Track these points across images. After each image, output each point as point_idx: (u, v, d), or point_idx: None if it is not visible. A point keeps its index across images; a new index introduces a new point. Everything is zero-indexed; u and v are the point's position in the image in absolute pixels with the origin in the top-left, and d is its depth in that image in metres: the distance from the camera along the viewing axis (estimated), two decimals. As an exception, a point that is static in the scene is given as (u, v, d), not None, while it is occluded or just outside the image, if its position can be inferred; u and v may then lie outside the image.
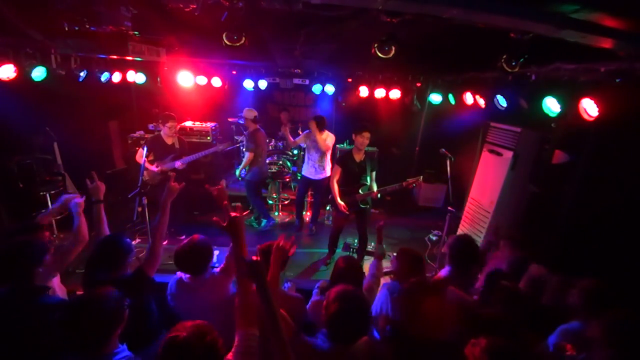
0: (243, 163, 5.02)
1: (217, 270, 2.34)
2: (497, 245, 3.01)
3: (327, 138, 4.92)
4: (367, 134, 3.95)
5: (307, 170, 5.10)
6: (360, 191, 4.08)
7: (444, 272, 2.60)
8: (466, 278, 2.48)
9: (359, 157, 4.10)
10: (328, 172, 5.12)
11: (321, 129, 4.78)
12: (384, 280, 2.60)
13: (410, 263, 2.39)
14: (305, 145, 5.12)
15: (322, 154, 4.96)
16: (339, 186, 4.10)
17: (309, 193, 5.75)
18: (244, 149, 5.70)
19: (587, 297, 2.01)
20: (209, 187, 2.30)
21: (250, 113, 4.94)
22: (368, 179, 4.11)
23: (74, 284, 2.49)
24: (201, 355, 1.33)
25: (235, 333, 1.49)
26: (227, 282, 2.31)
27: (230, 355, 1.42)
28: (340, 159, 4.19)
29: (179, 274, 2.29)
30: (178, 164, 4.43)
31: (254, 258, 1.50)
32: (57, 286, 2.32)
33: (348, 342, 1.64)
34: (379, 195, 4.12)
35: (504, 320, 1.77)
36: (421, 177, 4.14)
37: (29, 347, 1.71)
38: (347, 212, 4.06)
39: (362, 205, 4.15)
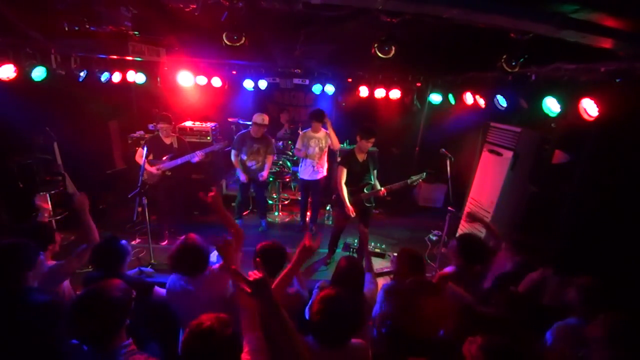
0: (269, 166, 5.02)
1: (216, 266, 2.33)
2: (499, 246, 3.00)
3: (325, 137, 4.93)
4: (373, 140, 3.98)
5: (304, 172, 5.09)
6: (365, 190, 4.10)
7: (448, 269, 2.57)
8: (470, 276, 2.46)
9: (361, 157, 4.10)
10: (324, 172, 5.13)
11: (322, 123, 4.80)
12: (384, 280, 2.60)
13: (410, 262, 2.40)
14: (302, 147, 5.03)
15: (319, 155, 4.96)
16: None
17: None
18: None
19: (584, 295, 2.03)
20: (203, 195, 2.28)
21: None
22: (372, 177, 4.12)
23: (74, 284, 2.49)
24: (224, 344, 1.36)
25: (244, 335, 1.55)
26: (226, 277, 2.29)
27: (247, 356, 1.47)
28: (344, 160, 4.17)
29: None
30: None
31: (256, 275, 1.44)
32: (67, 288, 2.33)
33: (332, 345, 1.65)
34: (385, 193, 4.11)
35: (505, 320, 1.78)
36: (425, 173, 4.13)
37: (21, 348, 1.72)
38: (353, 215, 4.03)
39: (367, 204, 4.16)
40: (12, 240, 1.98)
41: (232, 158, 4.99)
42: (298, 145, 5.04)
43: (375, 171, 4.18)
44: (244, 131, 5.07)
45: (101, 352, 1.54)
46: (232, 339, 1.39)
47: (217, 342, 1.34)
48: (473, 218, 3.13)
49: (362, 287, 2.31)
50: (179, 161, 4.45)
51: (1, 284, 1.84)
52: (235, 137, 5.03)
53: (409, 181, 4.09)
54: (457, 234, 5.26)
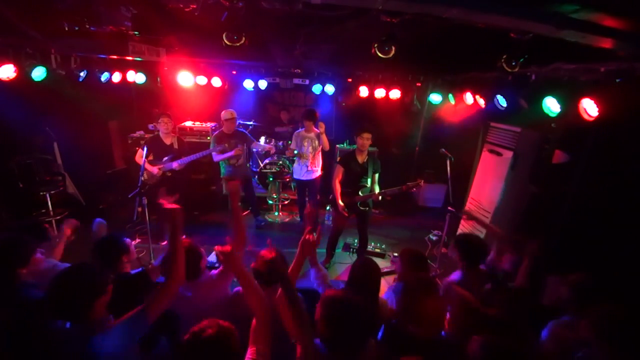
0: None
1: (215, 272, 2.31)
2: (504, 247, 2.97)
3: (318, 137, 4.92)
4: (366, 135, 3.90)
5: (298, 172, 5.11)
6: (360, 193, 4.03)
7: (454, 276, 2.55)
8: (477, 277, 2.45)
9: (361, 158, 4.04)
10: (319, 172, 5.15)
11: (314, 122, 4.82)
12: (384, 280, 2.59)
13: (413, 261, 2.39)
14: (295, 147, 5.05)
15: (313, 154, 4.96)
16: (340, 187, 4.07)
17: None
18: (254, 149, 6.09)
19: (576, 292, 2.04)
20: (233, 183, 2.45)
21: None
22: (369, 181, 4.05)
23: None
24: (225, 355, 1.37)
25: (249, 346, 1.59)
26: (225, 284, 2.28)
27: None
28: (343, 160, 4.14)
29: None
30: (175, 165, 4.41)
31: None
32: None
33: (338, 349, 1.54)
34: (379, 197, 4.06)
35: (510, 321, 1.77)
36: (422, 181, 4.09)
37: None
38: (347, 215, 4.02)
39: (361, 208, 4.08)
40: (6, 236, 1.99)
41: (216, 159, 4.88)
42: (292, 145, 5.11)
43: (376, 175, 4.10)
44: (217, 132, 5.01)
45: (80, 327, 1.58)
46: (234, 350, 1.40)
47: (218, 352, 1.35)
48: (470, 217, 3.11)
49: (378, 292, 2.22)
50: (169, 166, 4.43)
51: None
52: (214, 137, 4.92)
53: (404, 187, 3.99)
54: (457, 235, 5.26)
